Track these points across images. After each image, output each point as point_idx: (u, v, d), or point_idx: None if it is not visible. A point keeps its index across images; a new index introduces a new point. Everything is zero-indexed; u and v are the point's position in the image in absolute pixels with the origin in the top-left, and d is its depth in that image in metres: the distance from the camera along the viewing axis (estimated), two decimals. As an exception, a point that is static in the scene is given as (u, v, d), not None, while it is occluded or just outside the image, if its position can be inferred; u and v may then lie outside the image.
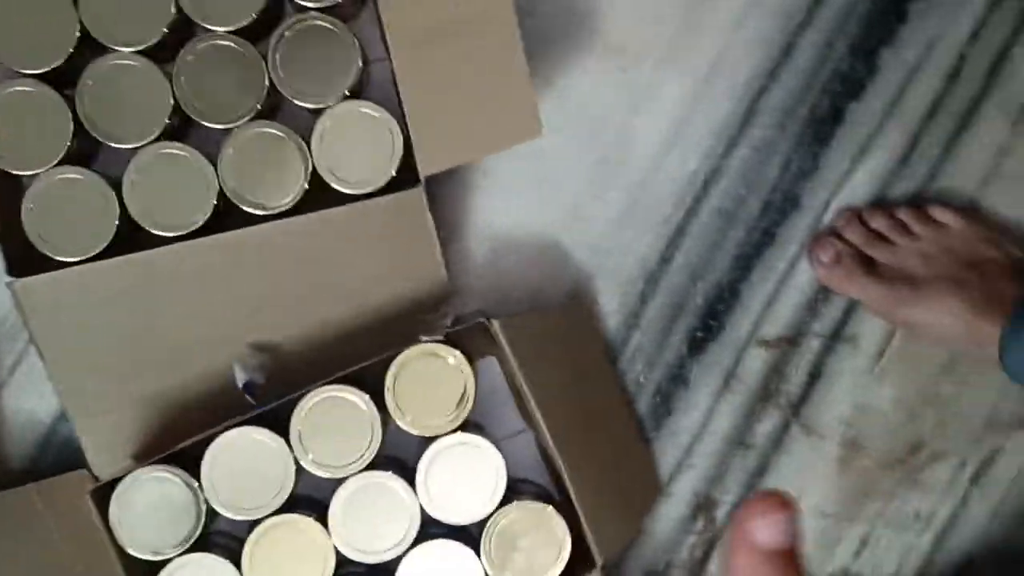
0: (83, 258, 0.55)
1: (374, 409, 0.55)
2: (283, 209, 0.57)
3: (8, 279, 0.55)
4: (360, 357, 0.55)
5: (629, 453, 0.64)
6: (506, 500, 0.56)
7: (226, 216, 0.57)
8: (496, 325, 0.55)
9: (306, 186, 0.57)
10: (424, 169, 0.56)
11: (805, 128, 0.64)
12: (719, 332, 0.64)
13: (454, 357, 0.55)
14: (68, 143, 0.55)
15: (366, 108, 0.57)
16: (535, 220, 0.64)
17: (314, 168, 0.57)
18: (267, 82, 0.56)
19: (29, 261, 0.56)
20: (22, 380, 0.61)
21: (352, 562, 0.56)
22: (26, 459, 0.61)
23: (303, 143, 0.57)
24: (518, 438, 0.59)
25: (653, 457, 0.64)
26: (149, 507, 0.54)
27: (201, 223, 0.56)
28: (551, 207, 0.64)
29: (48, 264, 0.55)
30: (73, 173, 0.56)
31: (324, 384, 0.55)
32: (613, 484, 0.60)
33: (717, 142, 0.64)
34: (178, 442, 0.55)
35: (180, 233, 0.56)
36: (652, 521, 0.64)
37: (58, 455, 0.61)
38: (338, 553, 0.55)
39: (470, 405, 0.55)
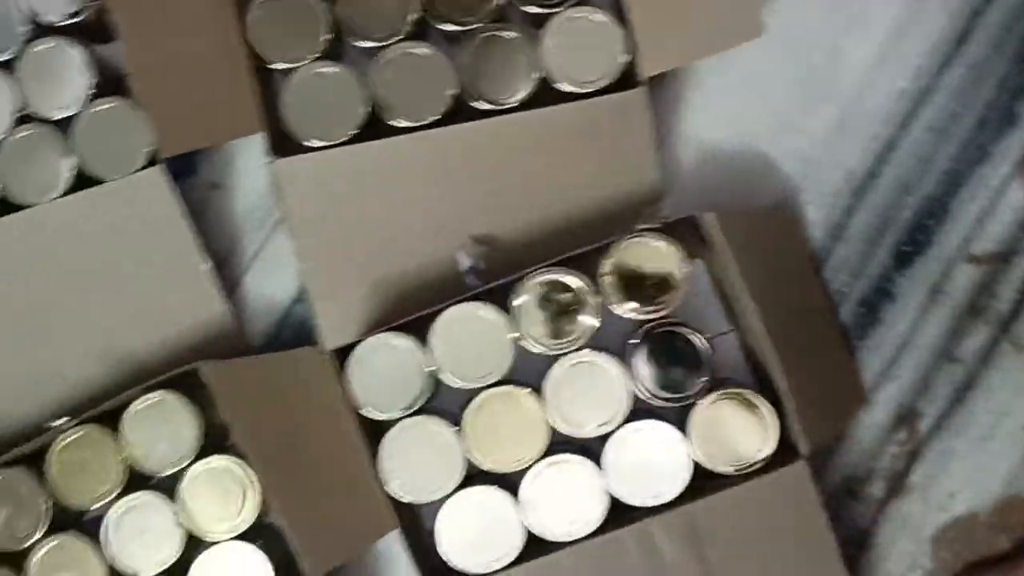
0: (334, 142, 0.61)
1: (590, 292, 0.58)
2: (511, 106, 0.61)
3: (269, 159, 0.61)
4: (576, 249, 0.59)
5: (834, 358, 0.65)
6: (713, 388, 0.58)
7: (458, 113, 0.62)
8: (711, 218, 0.57)
9: (534, 84, 0.61)
10: (647, 70, 0.60)
11: (1023, 47, 0.65)
12: (927, 247, 0.65)
13: (667, 245, 0.58)
14: (322, 40, 0.61)
15: (593, 15, 0.61)
16: (742, 131, 0.65)
17: (542, 68, 0.61)
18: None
19: (286, 146, 0.62)
20: (263, 267, 0.66)
21: (562, 439, 0.59)
22: (264, 337, 0.66)
23: (532, 45, 0.61)
24: (719, 340, 0.61)
25: (857, 365, 0.65)
26: (381, 371, 0.59)
27: (437, 117, 0.61)
28: (758, 119, 0.65)
29: (302, 150, 0.61)
30: (327, 67, 0.62)
31: (544, 267, 0.58)
32: (819, 384, 0.61)
33: (930, 61, 0.65)
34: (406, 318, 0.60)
35: (418, 124, 0.61)
36: (854, 428, 0.64)
37: (293, 335, 0.66)
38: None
39: (681, 291, 0.58)
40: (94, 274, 0.63)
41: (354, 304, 0.63)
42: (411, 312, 0.60)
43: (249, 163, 0.66)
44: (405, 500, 0.59)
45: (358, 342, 0.59)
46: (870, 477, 0.64)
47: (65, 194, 0.62)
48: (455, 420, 0.59)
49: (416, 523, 0.61)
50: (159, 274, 0.63)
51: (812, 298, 0.65)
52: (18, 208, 0.62)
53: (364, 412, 0.59)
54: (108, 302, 0.63)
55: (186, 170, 0.66)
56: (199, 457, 0.60)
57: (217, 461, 0.59)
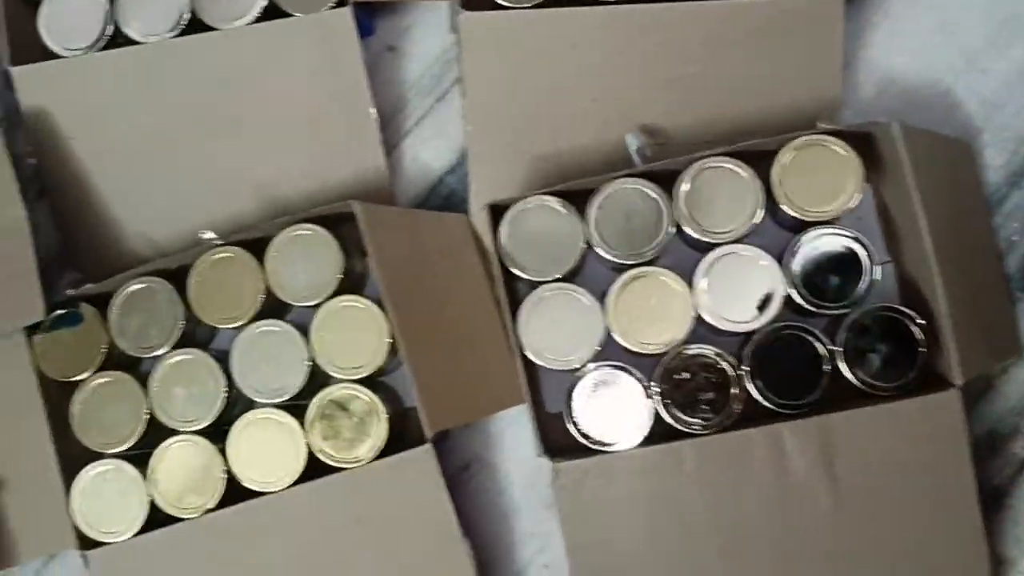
0: (525, 4, 0.61)
1: (758, 184, 0.57)
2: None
3: (458, 13, 0.60)
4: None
5: (995, 302, 0.62)
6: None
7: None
8: (895, 128, 0.55)
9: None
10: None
11: None
12: (1102, 201, 0.63)
13: (845, 150, 0.56)
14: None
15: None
16: (928, 65, 0.64)
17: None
18: None
19: (478, 1, 0.62)
20: (423, 134, 0.67)
21: (705, 326, 0.58)
22: (413, 202, 0.67)
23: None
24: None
25: (1016, 316, 0.63)
26: (536, 234, 0.58)
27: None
28: (947, 55, 0.64)
29: (493, 7, 0.61)
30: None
31: (713, 154, 0.57)
32: (977, 322, 0.59)
33: None
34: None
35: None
36: (1004, 382, 0.62)
37: (441, 205, 0.67)
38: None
39: (857, 197, 0.56)
40: (262, 107, 0.64)
41: (511, 172, 0.63)
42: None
43: (428, 31, 0.67)
44: (538, 362, 0.58)
45: (517, 200, 0.59)
46: (1015, 434, 0.62)
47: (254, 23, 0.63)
48: (599, 294, 0.59)
49: (539, 398, 0.60)
50: (325, 117, 0.64)
51: (982, 237, 0.63)
52: (208, 29, 0.63)
53: (512, 270, 0.59)
54: (269, 138, 0.64)
55: (365, 30, 0.66)
56: (335, 295, 0.60)
57: (354, 301, 0.59)
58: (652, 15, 0.60)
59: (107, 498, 0.59)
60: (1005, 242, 0.63)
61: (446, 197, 0.67)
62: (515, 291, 0.60)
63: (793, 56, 0.61)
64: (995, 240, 0.63)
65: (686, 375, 0.57)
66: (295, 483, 0.58)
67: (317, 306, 0.60)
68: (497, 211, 0.59)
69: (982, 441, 0.61)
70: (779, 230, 0.59)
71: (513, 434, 0.64)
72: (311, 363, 0.59)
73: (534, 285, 0.59)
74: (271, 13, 0.63)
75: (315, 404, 0.59)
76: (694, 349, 0.57)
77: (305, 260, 0.60)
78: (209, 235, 0.60)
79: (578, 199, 0.59)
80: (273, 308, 0.61)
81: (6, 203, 0.60)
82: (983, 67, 0.64)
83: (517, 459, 0.64)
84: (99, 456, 0.60)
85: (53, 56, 0.64)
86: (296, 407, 0.60)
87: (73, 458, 0.60)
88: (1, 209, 0.60)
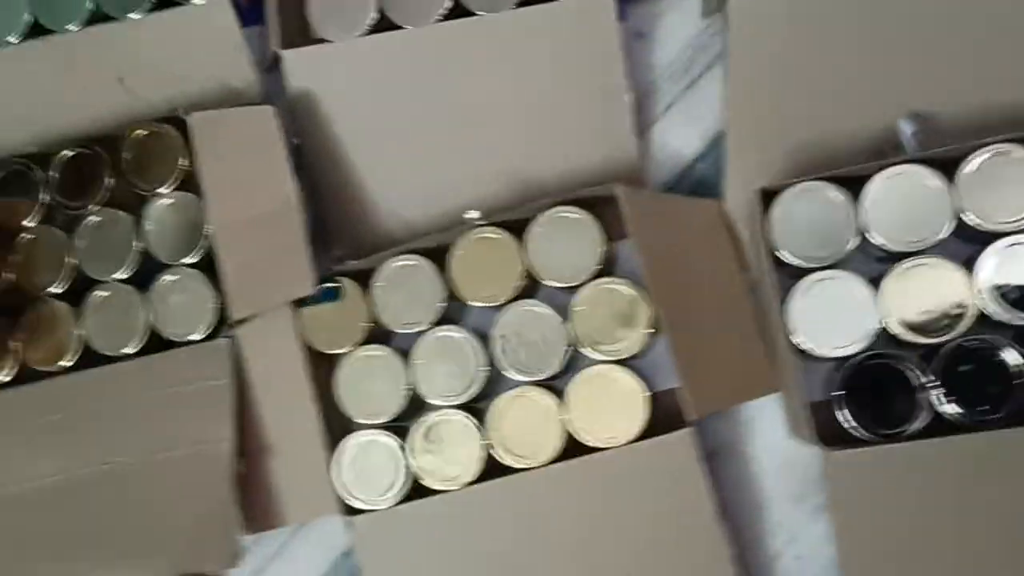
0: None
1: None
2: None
3: None
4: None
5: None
6: None
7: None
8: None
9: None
10: None
11: None
12: None
13: None
14: None
15: None
16: None
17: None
18: None
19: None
20: (674, 120, 0.67)
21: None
22: (663, 187, 0.67)
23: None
24: None
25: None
26: (806, 219, 0.58)
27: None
28: None
29: None
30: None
31: (998, 140, 0.55)
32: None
33: None
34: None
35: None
36: None
37: (691, 191, 0.66)
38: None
39: None
40: (518, 91, 0.65)
41: (769, 158, 0.62)
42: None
43: (678, 18, 0.67)
44: (805, 349, 0.57)
45: (788, 184, 0.58)
46: None
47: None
48: (871, 281, 0.58)
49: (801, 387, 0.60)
50: (580, 102, 0.64)
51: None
52: (469, 14, 0.64)
53: (780, 256, 0.58)
54: (523, 122, 0.65)
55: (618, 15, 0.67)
56: (595, 277, 0.61)
57: (613, 283, 0.60)
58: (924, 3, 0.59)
59: (368, 467, 0.62)
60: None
61: (696, 184, 0.66)
62: (783, 277, 0.59)
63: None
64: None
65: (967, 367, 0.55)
66: (552, 461, 0.60)
67: (575, 288, 0.61)
68: (767, 195, 0.59)
69: None
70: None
71: (762, 422, 0.63)
72: (570, 346, 0.61)
73: (800, 272, 0.58)
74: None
75: (573, 383, 0.60)
76: (973, 342, 0.55)
77: (566, 242, 0.61)
78: (473, 214, 0.62)
79: (849, 186, 0.58)
80: (530, 289, 0.62)
81: (279, 181, 0.63)
82: None
83: (767, 448, 0.63)
84: (361, 426, 0.63)
85: (320, 41, 0.67)
86: (551, 387, 0.62)
87: (335, 428, 0.63)
88: (275, 186, 0.63)
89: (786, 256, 0.58)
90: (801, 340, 0.57)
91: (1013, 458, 0.54)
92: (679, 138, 0.67)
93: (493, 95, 0.65)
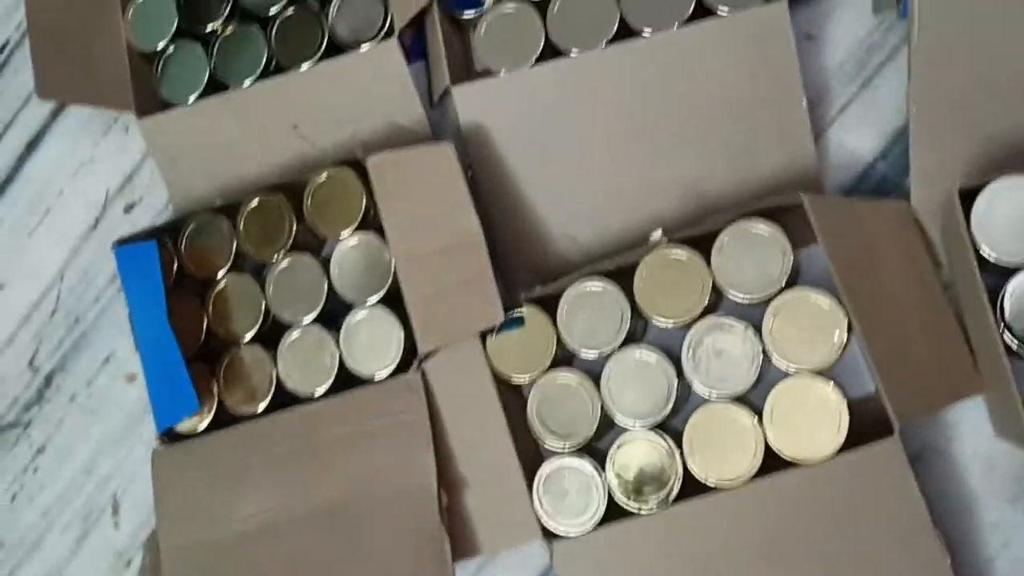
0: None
1: None
2: None
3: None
4: None
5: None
6: None
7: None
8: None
9: None
10: None
11: None
12: None
13: None
14: None
15: None
16: None
17: None
18: None
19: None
20: (849, 120, 0.65)
21: None
22: (843, 189, 0.65)
23: None
24: None
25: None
26: (1011, 215, 0.56)
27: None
28: None
29: None
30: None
31: None
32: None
33: None
34: None
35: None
36: None
37: (872, 193, 0.65)
38: None
39: None
40: (687, 104, 0.64)
41: (955, 154, 0.60)
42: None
43: (847, 16, 0.66)
44: (1016, 348, 0.55)
45: (989, 182, 0.56)
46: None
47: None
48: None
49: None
50: (752, 111, 0.64)
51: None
52: (634, 33, 0.64)
53: (985, 254, 0.56)
54: (694, 135, 0.64)
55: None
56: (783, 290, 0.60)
57: (804, 293, 0.59)
58: None
59: (565, 492, 0.62)
60: None
61: (877, 183, 0.65)
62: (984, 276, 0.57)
63: None
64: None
65: None
66: (753, 478, 0.59)
67: (765, 302, 0.60)
68: (965, 195, 0.57)
69: None
70: None
71: (967, 423, 0.61)
72: (763, 358, 0.60)
73: (1004, 270, 0.56)
74: (699, 12, 0.64)
75: (770, 397, 0.60)
76: None
77: (753, 255, 0.60)
78: (657, 235, 0.62)
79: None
80: (716, 303, 0.62)
81: (462, 215, 0.63)
82: None
83: (973, 450, 0.61)
84: (554, 452, 0.63)
85: (486, 72, 0.68)
86: (746, 401, 0.61)
87: (527, 455, 0.63)
88: (457, 220, 0.64)
89: (990, 254, 0.56)
90: (1011, 338, 0.56)
91: None
92: (857, 139, 0.65)
93: (663, 111, 0.65)
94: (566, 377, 0.63)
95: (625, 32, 0.66)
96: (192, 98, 0.72)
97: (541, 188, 0.68)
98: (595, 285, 0.63)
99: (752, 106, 0.64)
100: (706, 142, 0.65)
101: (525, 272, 0.69)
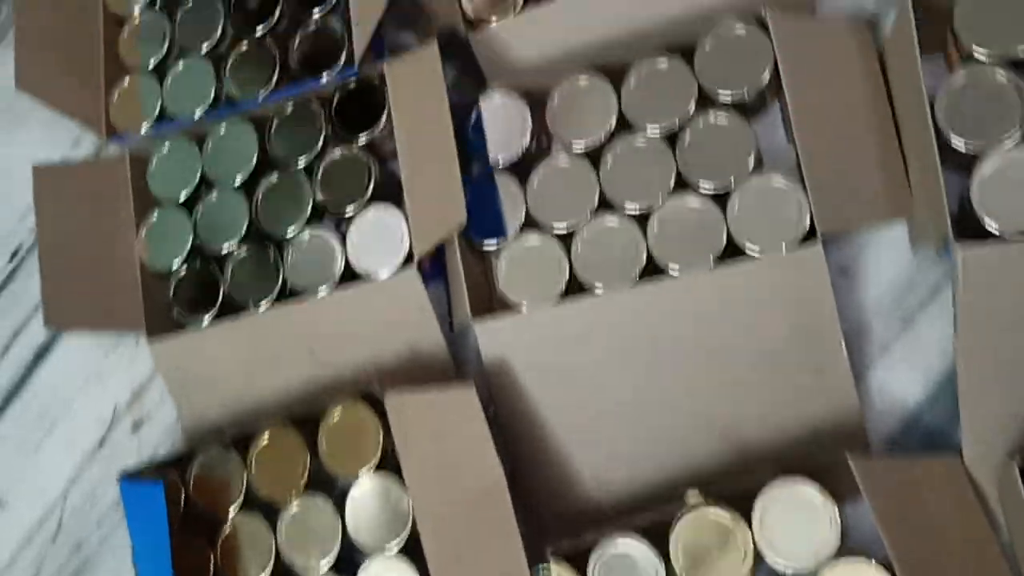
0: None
1: None
2: None
3: (953, 243, 0.55)
4: None
5: None
6: None
7: None
8: None
9: None
10: None
11: None
12: None
13: None
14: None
15: None
16: None
17: None
18: None
19: (969, 230, 0.57)
20: (891, 362, 0.62)
21: None
22: (887, 442, 0.61)
23: None
24: None
25: None
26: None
27: None
28: None
29: (986, 235, 0.56)
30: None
31: None
32: None
33: None
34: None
35: None
36: None
37: (921, 443, 0.61)
38: None
39: None
40: (724, 345, 0.61)
41: (1007, 414, 0.57)
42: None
43: (883, 250, 0.63)
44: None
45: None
46: None
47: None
48: None
49: None
50: (791, 354, 0.61)
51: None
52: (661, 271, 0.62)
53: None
54: (732, 377, 0.62)
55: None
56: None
57: (861, 564, 0.54)
58: None
59: None
60: None
61: (924, 435, 0.61)
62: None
63: None
64: None
65: None
66: None
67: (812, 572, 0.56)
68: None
69: None
70: None
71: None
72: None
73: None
74: (729, 251, 0.62)
75: None
76: None
77: (797, 521, 0.56)
78: (693, 496, 0.59)
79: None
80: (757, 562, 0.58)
81: (484, 461, 0.59)
82: None
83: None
84: None
85: (510, 307, 0.65)
86: None
87: None
88: (479, 467, 0.60)
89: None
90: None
91: None
92: (900, 383, 0.62)
93: (694, 353, 0.62)
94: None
95: (652, 268, 0.63)
96: (206, 320, 0.71)
97: (568, 429, 0.64)
98: (628, 544, 0.58)
99: (789, 350, 0.60)
100: (741, 386, 0.61)
101: (554, 517, 0.65)
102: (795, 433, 0.61)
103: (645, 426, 0.63)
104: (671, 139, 0.64)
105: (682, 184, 0.64)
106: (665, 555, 0.58)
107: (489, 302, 0.68)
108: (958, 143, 0.58)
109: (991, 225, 0.56)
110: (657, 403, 0.63)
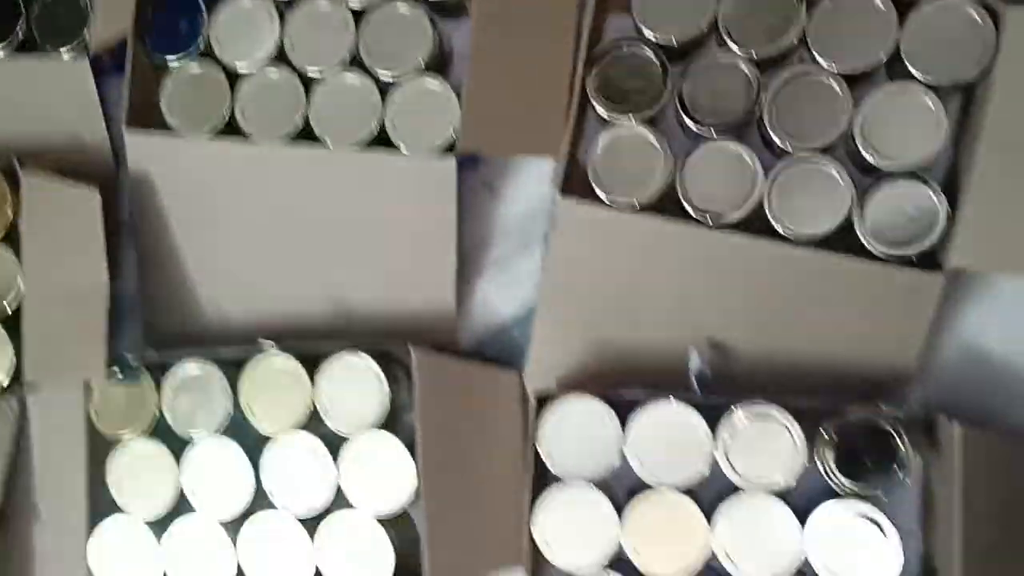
0: (630, 206, 0.61)
1: (802, 442, 0.57)
2: (813, 236, 0.59)
3: (557, 193, 0.61)
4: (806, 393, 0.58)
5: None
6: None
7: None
8: (957, 432, 0.55)
9: (840, 222, 0.58)
10: (959, 261, 0.57)
11: None
12: None
13: (894, 432, 0.56)
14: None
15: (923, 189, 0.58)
16: (1013, 348, 0.62)
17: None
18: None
19: (578, 189, 0.61)
20: (501, 277, 0.67)
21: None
22: (474, 342, 0.67)
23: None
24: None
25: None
26: (575, 433, 0.59)
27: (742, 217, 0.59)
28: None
29: (593, 199, 0.61)
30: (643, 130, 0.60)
31: (758, 402, 0.57)
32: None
33: None
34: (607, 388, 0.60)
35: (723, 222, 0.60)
36: None
37: (500, 352, 0.67)
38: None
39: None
40: (352, 222, 0.65)
41: (574, 348, 0.63)
42: (624, 383, 0.60)
43: (529, 177, 0.67)
44: (546, 554, 0.59)
45: (563, 395, 0.60)
46: None
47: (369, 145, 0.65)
48: (618, 503, 0.59)
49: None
50: (408, 246, 0.65)
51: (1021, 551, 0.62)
52: (316, 139, 0.65)
53: (546, 461, 0.60)
54: (352, 252, 0.66)
55: (468, 161, 0.67)
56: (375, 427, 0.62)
57: (386, 441, 0.61)
58: (750, 248, 0.59)
59: (124, 556, 0.64)
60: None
61: (507, 347, 0.67)
62: (544, 478, 0.61)
63: (878, 321, 0.59)
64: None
65: None
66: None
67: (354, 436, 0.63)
68: (543, 401, 0.60)
69: None
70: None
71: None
72: (335, 485, 0.62)
73: (560, 478, 0.60)
74: (380, 140, 0.64)
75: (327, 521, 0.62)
76: None
77: (353, 388, 0.62)
78: (268, 344, 0.63)
79: (629, 404, 0.59)
80: (316, 423, 0.63)
81: (94, 262, 0.63)
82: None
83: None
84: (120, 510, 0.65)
85: (166, 127, 0.66)
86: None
87: (102, 509, 0.65)
88: (89, 265, 0.63)
89: (550, 465, 0.60)
90: (543, 544, 0.59)
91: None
92: (502, 297, 0.67)
93: (329, 220, 0.66)
94: (153, 448, 0.64)
95: (308, 133, 0.65)
96: None
97: (199, 254, 0.67)
98: (204, 370, 0.63)
99: (408, 242, 0.65)
100: (360, 261, 0.66)
101: (167, 327, 0.68)
102: (396, 317, 0.66)
103: (267, 274, 0.67)
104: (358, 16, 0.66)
105: (359, 63, 0.65)
106: (235, 386, 0.63)
107: (151, 120, 0.67)
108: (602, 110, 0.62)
109: (602, 189, 0.61)
110: (281, 256, 0.66)
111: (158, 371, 0.65)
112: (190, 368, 0.64)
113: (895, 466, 0.56)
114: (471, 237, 0.68)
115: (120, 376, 0.64)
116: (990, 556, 0.56)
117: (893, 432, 0.56)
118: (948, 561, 0.56)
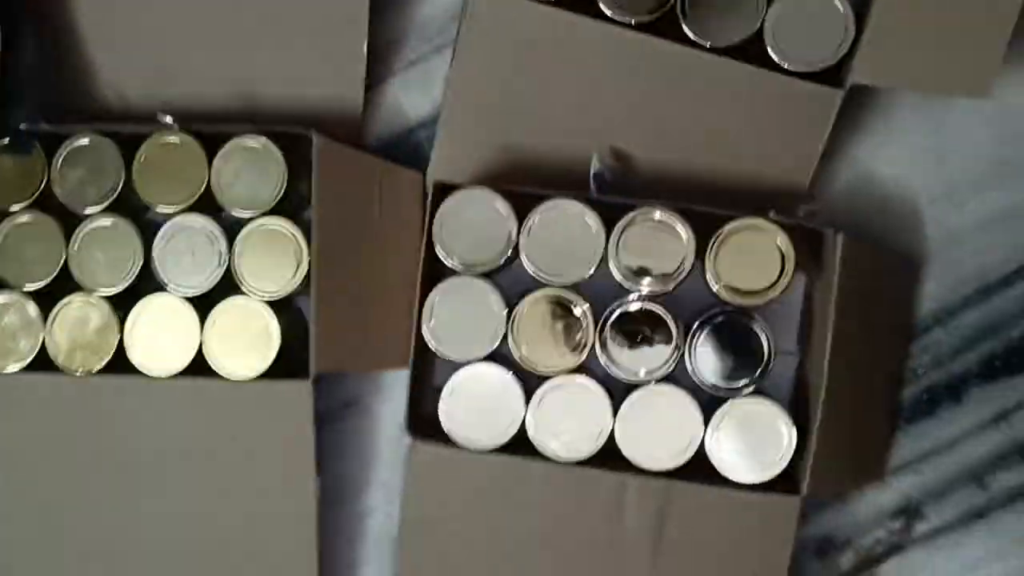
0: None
1: (692, 246, 0.58)
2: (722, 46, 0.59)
3: None
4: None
5: (875, 425, 0.64)
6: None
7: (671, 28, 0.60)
8: (840, 239, 0.57)
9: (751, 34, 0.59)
10: (858, 76, 0.58)
11: None
12: (1018, 372, 0.64)
13: (783, 239, 0.57)
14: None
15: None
16: (908, 181, 0.64)
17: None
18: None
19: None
20: (411, 79, 0.66)
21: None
22: (378, 142, 0.67)
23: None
24: (781, 358, 0.60)
25: (891, 443, 0.65)
26: (472, 224, 0.59)
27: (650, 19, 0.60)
28: (929, 178, 0.64)
29: None
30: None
31: (657, 205, 0.58)
32: (848, 440, 0.61)
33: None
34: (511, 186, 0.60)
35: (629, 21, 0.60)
36: (858, 498, 0.64)
37: (403, 155, 0.66)
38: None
39: (786, 281, 0.57)
40: (262, 9, 0.63)
41: (478, 149, 0.63)
42: (524, 184, 0.60)
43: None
44: (432, 346, 0.60)
45: (463, 187, 0.59)
46: (844, 547, 0.65)
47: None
48: (510, 303, 0.60)
49: (428, 377, 0.63)
50: (319, 38, 0.64)
51: (891, 360, 0.65)
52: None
53: (438, 251, 0.59)
54: (260, 37, 0.64)
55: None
56: (271, 213, 0.61)
57: (282, 224, 0.61)
58: (659, 49, 0.59)
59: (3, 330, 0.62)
60: (910, 372, 0.64)
61: (413, 149, 0.67)
62: (437, 272, 0.61)
63: (777, 134, 0.60)
64: (902, 366, 0.65)
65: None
66: (179, 375, 0.61)
67: (250, 219, 0.61)
68: (443, 191, 0.60)
69: (811, 544, 0.64)
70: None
71: (401, 387, 0.63)
72: (225, 268, 0.61)
73: (454, 272, 0.60)
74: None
75: (219, 308, 0.61)
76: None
77: (252, 171, 0.61)
78: (167, 119, 0.62)
79: (527, 203, 0.59)
80: (210, 205, 0.62)
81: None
82: (959, 201, 0.64)
83: (395, 411, 0.66)
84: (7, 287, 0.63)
85: None
86: (203, 304, 0.62)
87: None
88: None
89: (443, 255, 0.59)
90: (429, 334, 0.60)
91: (570, 490, 0.59)
92: (411, 99, 0.67)
93: (238, 8, 0.64)
94: (39, 219, 0.61)
95: None
96: None
97: (104, 35, 0.65)
98: (98, 142, 0.61)
99: (319, 33, 0.64)
100: (268, 48, 0.64)
101: (65, 101, 0.66)
102: (301, 109, 0.64)
103: (173, 55, 0.64)
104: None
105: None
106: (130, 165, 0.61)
107: None
108: None
109: None
110: (186, 41, 0.64)
111: (53, 143, 0.62)
112: (82, 140, 0.62)
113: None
114: (386, 35, 0.66)
115: (7, 145, 0.62)
116: (851, 367, 0.58)
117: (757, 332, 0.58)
118: (816, 370, 0.58)
